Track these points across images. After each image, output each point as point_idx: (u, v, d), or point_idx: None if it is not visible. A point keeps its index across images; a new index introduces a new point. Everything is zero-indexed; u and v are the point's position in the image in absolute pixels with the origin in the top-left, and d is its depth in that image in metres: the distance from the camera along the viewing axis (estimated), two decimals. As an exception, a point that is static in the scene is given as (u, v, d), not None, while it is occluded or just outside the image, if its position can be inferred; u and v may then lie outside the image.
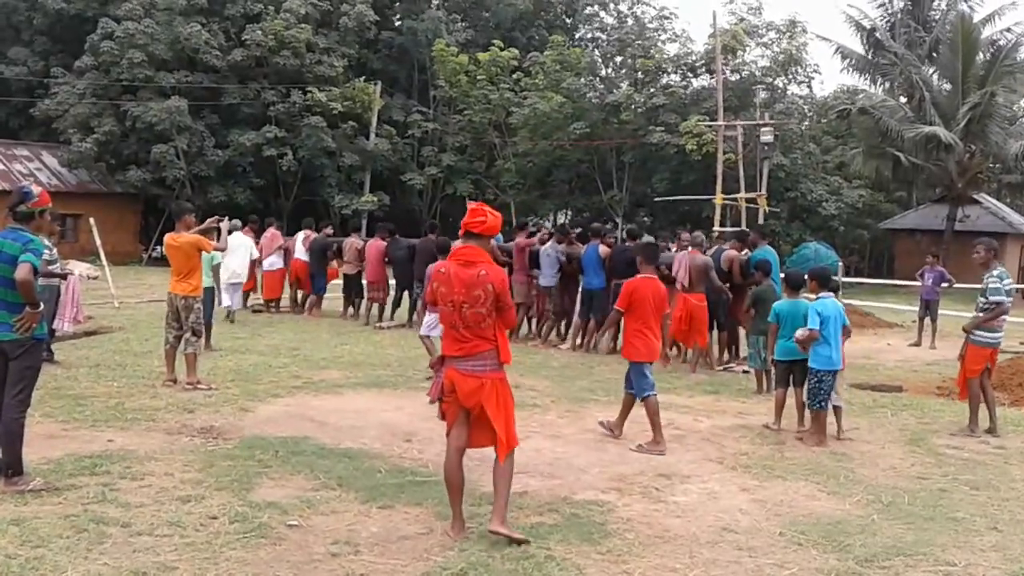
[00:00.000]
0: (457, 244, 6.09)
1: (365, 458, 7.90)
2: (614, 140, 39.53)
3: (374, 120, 42.40)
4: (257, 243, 18.83)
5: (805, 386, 8.95)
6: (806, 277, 9.14)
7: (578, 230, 15.71)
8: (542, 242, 15.12)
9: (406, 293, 17.53)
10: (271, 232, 19.76)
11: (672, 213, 40.06)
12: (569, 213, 45.87)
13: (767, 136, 32.33)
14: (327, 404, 9.91)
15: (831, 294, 8.80)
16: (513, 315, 6.01)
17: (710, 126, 34.44)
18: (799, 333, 8.53)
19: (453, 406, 6.00)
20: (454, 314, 5.88)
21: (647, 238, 17.08)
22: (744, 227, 25.25)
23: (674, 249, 14.30)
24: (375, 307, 17.79)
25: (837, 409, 9.06)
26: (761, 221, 30.38)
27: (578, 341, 14.49)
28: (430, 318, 10.87)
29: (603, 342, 14.31)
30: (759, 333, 10.84)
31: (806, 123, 43.56)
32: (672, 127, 37.43)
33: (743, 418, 9.85)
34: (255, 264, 18.51)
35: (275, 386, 11.01)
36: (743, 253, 13.17)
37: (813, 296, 8.91)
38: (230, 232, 14.11)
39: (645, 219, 43.21)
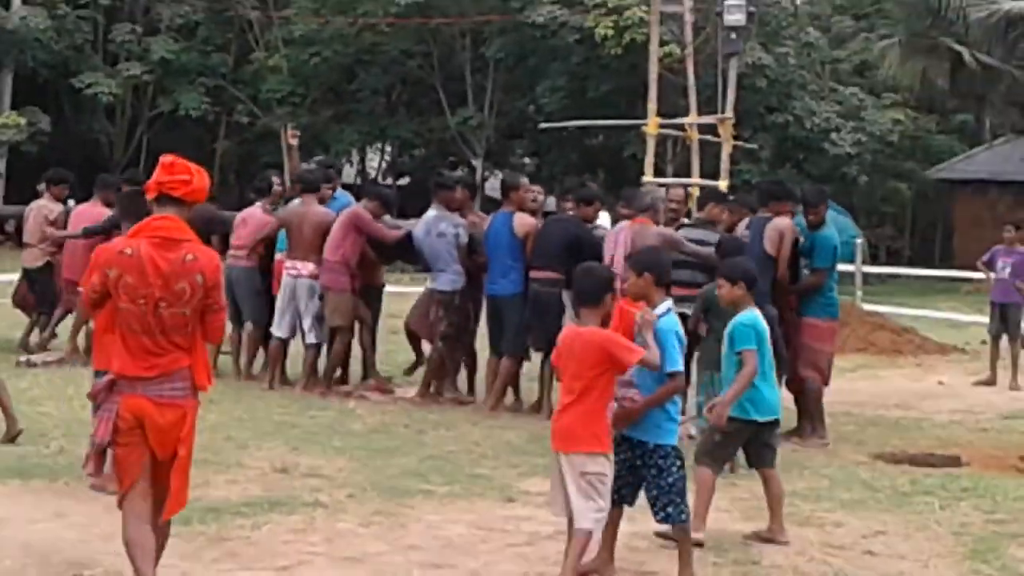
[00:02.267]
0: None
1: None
2: (468, 18, 35.17)
3: None
4: None
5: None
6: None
7: (402, 181, 17.29)
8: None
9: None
10: None
11: (571, 149, 36.88)
12: (388, 148, 41.24)
13: (735, 15, 22.69)
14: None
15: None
16: (222, 322, 5.63)
17: None
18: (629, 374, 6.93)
19: (137, 450, 5.37)
20: (147, 316, 5.34)
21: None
22: (692, 182, 21.37)
23: (599, 218, 12.27)
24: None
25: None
26: (726, 163, 23.06)
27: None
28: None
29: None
30: (715, 366, 9.01)
31: None
32: None
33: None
34: None
35: None
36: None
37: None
38: None
39: (524, 159, 40.07)
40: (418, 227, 11.83)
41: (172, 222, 5.37)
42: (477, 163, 35.60)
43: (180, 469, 5.43)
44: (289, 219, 11.73)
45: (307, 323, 11.69)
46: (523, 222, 11.39)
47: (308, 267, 11.28)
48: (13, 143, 32.42)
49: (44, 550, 6.61)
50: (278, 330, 11.81)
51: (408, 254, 12.58)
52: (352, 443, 9.86)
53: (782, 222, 10.54)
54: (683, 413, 9.37)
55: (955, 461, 10.16)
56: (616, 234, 10.75)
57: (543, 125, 30.99)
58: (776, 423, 7.47)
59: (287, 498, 7.43)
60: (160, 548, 5.50)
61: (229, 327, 12.58)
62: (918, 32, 36.23)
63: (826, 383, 10.10)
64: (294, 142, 13.82)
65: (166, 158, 5.50)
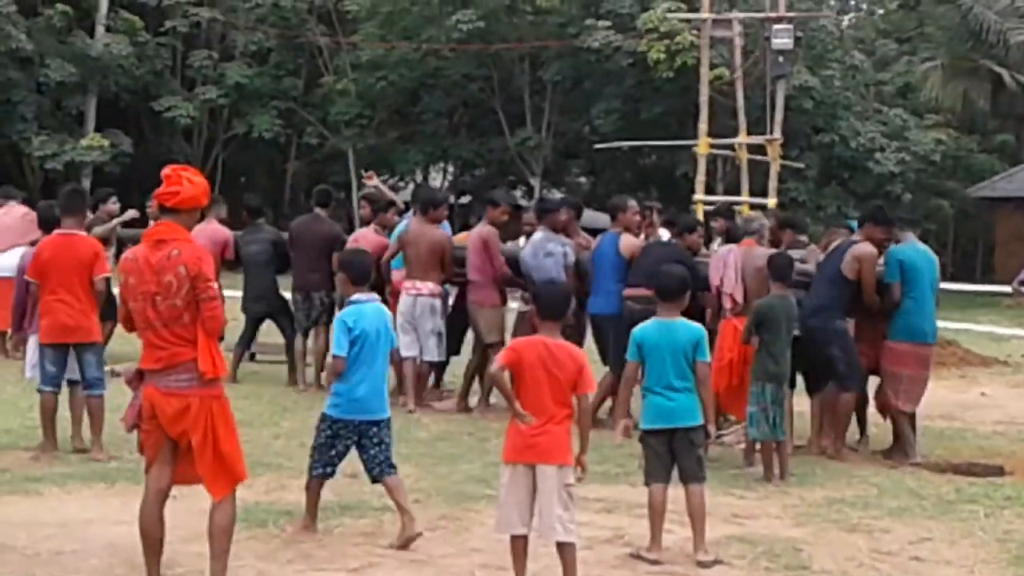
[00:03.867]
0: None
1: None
2: (526, 43, 35.77)
3: (103, 3, 35.09)
4: None
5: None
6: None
7: (464, 199, 17.08)
8: (524, 234, 12.63)
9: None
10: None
11: (625, 169, 37.64)
12: (450, 168, 41.69)
13: (783, 39, 25.32)
14: (14, 512, 7.82)
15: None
16: (217, 310, 5.62)
17: (688, 21, 29.89)
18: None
19: (154, 435, 5.66)
20: (148, 310, 5.56)
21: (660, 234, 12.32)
22: (742, 200, 23.41)
23: (662, 236, 12.01)
24: None
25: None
26: (773, 182, 24.88)
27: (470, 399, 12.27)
28: (31, 352, 9.76)
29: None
30: (767, 378, 9.31)
31: (849, 18, 43.27)
32: (625, 22, 33.31)
33: (740, 525, 7.94)
34: None
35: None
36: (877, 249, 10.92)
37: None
38: None
39: (580, 178, 40.94)
40: (526, 249, 11.64)
41: (166, 227, 5.63)
42: (535, 182, 36.25)
43: (204, 455, 5.58)
44: (407, 239, 11.53)
45: (428, 341, 11.48)
46: (629, 243, 11.30)
47: (428, 286, 11.14)
48: (97, 164, 33.55)
49: (128, 551, 6.61)
50: (405, 350, 11.45)
51: (513, 283, 12.22)
52: (418, 450, 9.89)
53: (863, 249, 10.44)
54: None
55: (998, 470, 10.15)
56: (725, 256, 10.80)
57: (598, 145, 32.18)
58: (684, 432, 7.02)
59: (357, 503, 7.43)
60: (226, 536, 5.64)
61: (299, 341, 12.54)
62: (959, 55, 36.03)
63: (902, 406, 9.75)
64: (372, 182, 13.64)
65: (166, 170, 5.76)
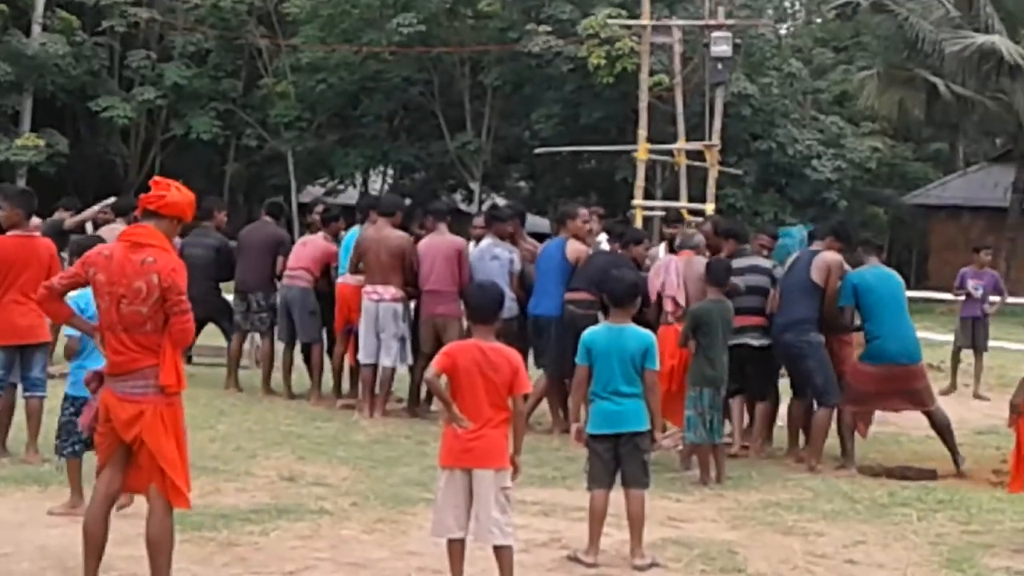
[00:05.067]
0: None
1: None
2: (467, 47, 35.65)
3: (39, 2, 34.64)
4: None
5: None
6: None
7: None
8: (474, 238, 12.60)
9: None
10: None
11: (565, 174, 37.92)
12: (390, 172, 41.61)
13: (722, 46, 25.32)
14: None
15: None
16: (188, 324, 5.59)
17: (629, 27, 30.12)
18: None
19: (108, 438, 5.63)
20: (111, 310, 5.52)
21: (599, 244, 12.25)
22: (680, 206, 22.25)
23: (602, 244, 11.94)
24: None
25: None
26: (712, 188, 24.94)
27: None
28: None
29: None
30: (704, 382, 9.28)
31: (787, 26, 43.19)
32: (566, 28, 33.28)
33: (676, 528, 7.94)
34: None
35: None
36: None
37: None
38: None
39: (520, 182, 41.07)
40: (473, 253, 11.64)
41: (144, 230, 5.61)
42: (475, 186, 36.34)
43: (152, 461, 5.48)
44: (366, 245, 11.38)
45: (389, 346, 11.30)
46: (575, 248, 11.33)
47: (389, 290, 10.94)
48: (32, 164, 32.89)
49: (60, 554, 6.63)
50: (366, 356, 11.39)
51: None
52: (356, 453, 9.84)
53: (832, 257, 10.47)
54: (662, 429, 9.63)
55: (931, 474, 10.26)
56: (666, 263, 10.85)
57: (538, 150, 32.34)
58: (631, 437, 6.99)
59: (294, 506, 7.40)
60: (167, 542, 5.56)
61: (280, 346, 12.31)
62: (895, 64, 35.66)
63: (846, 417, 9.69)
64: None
65: (156, 179, 5.81)
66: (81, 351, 7.04)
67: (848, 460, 9.88)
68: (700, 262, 10.52)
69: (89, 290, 6.79)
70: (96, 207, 12.26)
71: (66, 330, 7.04)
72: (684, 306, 10.34)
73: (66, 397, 7.30)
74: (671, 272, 10.50)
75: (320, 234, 12.15)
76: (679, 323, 10.13)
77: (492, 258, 11.36)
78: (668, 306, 10.39)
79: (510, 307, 11.13)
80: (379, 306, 10.91)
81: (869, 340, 9.78)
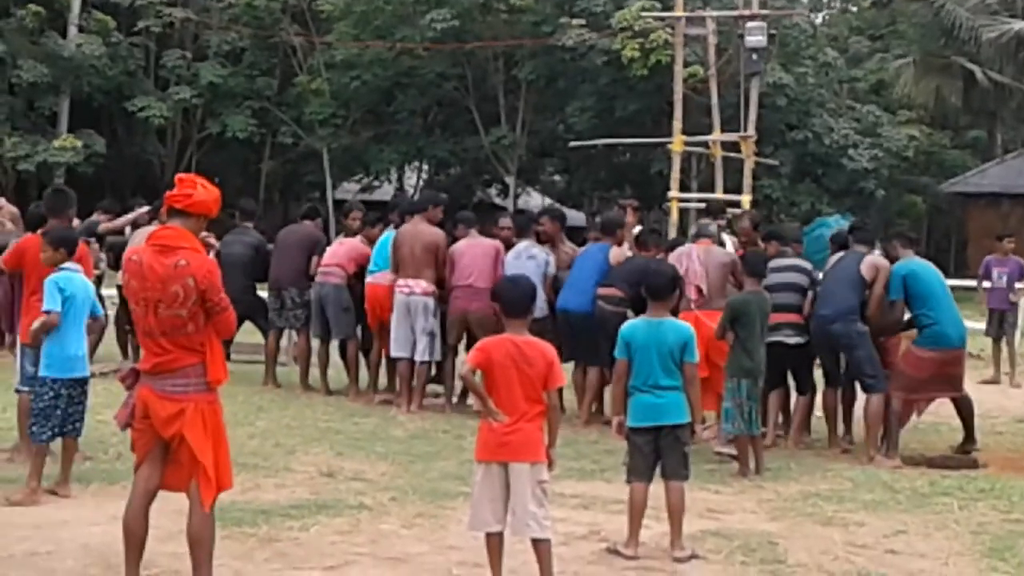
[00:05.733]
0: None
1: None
2: (501, 41, 35.39)
3: (75, 3, 34.66)
4: None
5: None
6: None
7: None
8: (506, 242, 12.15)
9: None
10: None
11: (600, 167, 37.76)
12: (425, 167, 41.20)
13: (756, 37, 24.66)
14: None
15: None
16: (231, 320, 5.65)
17: (662, 19, 29.55)
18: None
19: (146, 435, 5.64)
20: (148, 316, 5.51)
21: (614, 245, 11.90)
22: (716, 197, 20.79)
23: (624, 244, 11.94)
24: None
25: None
26: (748, 179, 24.15)
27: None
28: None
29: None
30: (742, 374, 9.24)
31: (822, 14, 42.84)
32: (600, 21, 33.05)
33: (716, 520, 7.86)
34: None
35: None
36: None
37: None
38: None
39: (555, 176, 41.24)
40: (509, 255, 11.63)
41: (174, 231, 5.56)
42: (510, 180, 36.36)
43: (193, 459, 5.51)
44: (401, 240, 11.39)
45: (421, 341, 11.34)
46: (619, 254, 11.38)
47: (421, 285, 10.97)
48: (70, 165, 33.20)
49: (103, 552, 6.63)
50: (398, 350, 11.43)
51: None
52: (394, 448, 9.87)
53: (881, 260, 10.56)
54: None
55: (972, 463, 10.25)
56: (687, 251, 10.95)
57: (573, 144, 31.64)
58: (671, 430, 7.00)
59: (333, 501, 7.43)
60: (208, 539, 5.58)
61: (316, 342, 12.40)
62: (932, 52, 36.11)
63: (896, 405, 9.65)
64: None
65: (180, 175, 5.77)
66: (61, 328, 7.37)
67: (892, 449, 9.85)
68: (717, 251, 10.61)
69: (74, 275, 6.86)
70: (131, 215, 12.35)
71: (45, 306, 7.26)
72: (704, 292, 10.54)
73: (43, 380, 7.41)
74: (693, 260, 10.55)
75: (358, 237, 12.27)
76: (700, 311, 10.19)
77: (528, 257, 11.40)
78: (691, 293, 10.39)
79: (541, 307, 11.07)
80: (410, 299, 10.95)
81: (927, 326, 9.74)
